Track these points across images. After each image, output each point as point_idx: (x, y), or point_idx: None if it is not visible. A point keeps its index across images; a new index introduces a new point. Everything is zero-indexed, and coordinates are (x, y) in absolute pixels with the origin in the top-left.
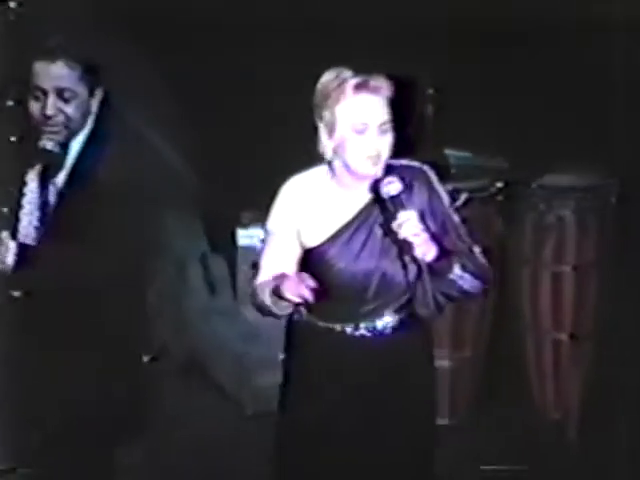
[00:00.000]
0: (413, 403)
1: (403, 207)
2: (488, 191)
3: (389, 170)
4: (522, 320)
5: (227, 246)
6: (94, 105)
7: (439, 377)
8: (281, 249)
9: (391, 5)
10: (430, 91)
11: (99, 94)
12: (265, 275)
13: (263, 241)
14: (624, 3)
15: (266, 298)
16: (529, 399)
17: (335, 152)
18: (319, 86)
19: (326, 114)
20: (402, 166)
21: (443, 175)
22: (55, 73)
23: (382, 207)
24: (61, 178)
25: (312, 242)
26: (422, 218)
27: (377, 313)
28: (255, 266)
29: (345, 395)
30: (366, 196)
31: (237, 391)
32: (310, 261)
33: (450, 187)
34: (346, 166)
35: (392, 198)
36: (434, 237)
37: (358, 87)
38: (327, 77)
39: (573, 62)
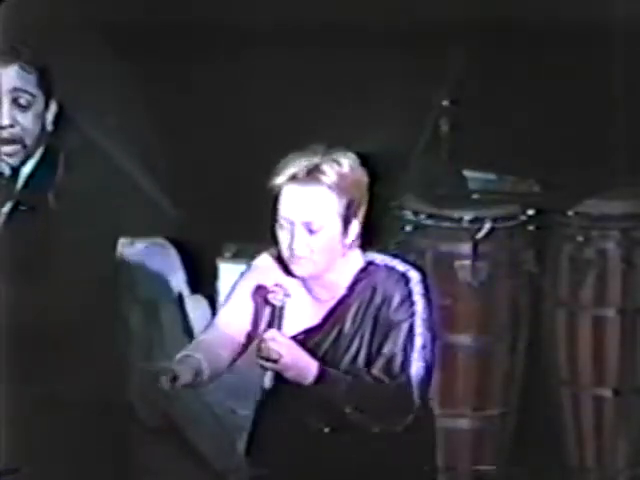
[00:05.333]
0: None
1: (278, 322)
2: (516, 220)
3: (367, 266)
4: (557, 373)
5: (208, 283)
6: (49, 121)
7: (456, 439)
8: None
9: (402, 5)
10: (445, 103)
11: (53, 107)
12: (224, 319)
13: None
14: None
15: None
16: (566, 464)
17: None
18: None
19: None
20: (383, 266)
21: (462, 203)
22: (10, 76)
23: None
24: (6, 207)
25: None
26: (385, 322)
27: None
28: None
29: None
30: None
31: (220, 459)
32: None
33: (470, 215)
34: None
35: (273, 309)
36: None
37: (292, 176)
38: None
39: (621, 74)
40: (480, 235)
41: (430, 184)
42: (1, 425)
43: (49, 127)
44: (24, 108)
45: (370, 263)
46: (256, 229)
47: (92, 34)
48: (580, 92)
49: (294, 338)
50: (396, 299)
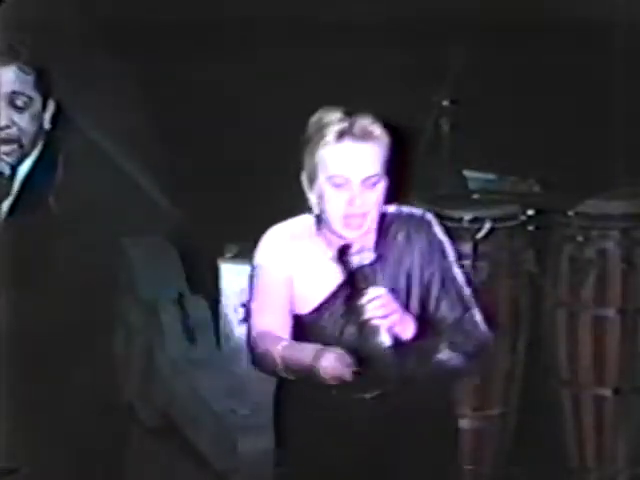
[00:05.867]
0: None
1: (374, 281)
2: (516, 220)
3: (384, 218)
4: (557, 373)
5: (209, 284)
6: (46, 120)
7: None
8: (276, 287)
9: (402, 5)
10: (445, 103)
11: (51, 107)
12: (264, 321)
13: (251, 277)
14: None
15: (275, 359)
16: (566, 464)
17: (318, 206)
18: (307, 128)
19: (307, 161)
20: (400, 214)
21: (462, 203)
22: (8, 77)
23: (350, 279)
24: (4, 207)
25: (303, 307)
26: (421, 272)
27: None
28: (243, 308)
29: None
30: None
31: (220, 458)
32: (302, 324)
33: (470, 215)
34: (328, 224)
35: (362, 269)
36: (421, 302)
37: (341, 133)
38: (313, 118)
39: (622, 70)
40: (480, 235)
41: (430, 184)
42: (1, 425)
43: (46, 126)
44: (21, 109)
45: (384, 215)
46: (257, 229)
47: (92, 34)
48: (580, 92)
49: (328, 301)
50: (425, 247)
